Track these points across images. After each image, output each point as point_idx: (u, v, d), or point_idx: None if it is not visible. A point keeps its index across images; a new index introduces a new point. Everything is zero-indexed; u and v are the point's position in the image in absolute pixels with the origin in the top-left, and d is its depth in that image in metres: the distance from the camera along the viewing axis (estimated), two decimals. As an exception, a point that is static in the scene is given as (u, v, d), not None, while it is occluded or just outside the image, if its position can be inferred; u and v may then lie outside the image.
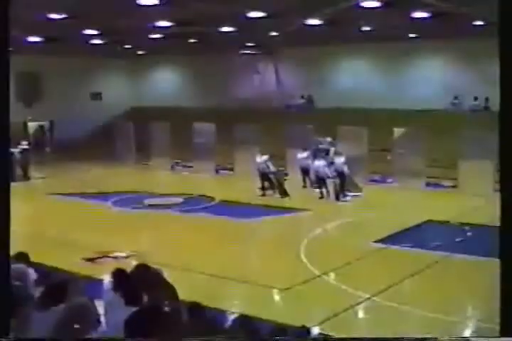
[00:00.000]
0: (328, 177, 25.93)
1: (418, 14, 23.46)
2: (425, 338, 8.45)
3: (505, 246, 4.47)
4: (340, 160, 26.49)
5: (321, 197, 26.07)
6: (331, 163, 26.44)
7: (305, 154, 28.96)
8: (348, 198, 26.04)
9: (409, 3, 21.15)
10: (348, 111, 36.09)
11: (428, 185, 28.80)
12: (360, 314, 13.76)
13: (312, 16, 23.89)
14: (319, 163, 26.29)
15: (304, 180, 28.86)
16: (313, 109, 40.02)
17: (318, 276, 15.93)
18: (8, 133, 4.13)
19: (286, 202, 25.82)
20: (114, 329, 6.96)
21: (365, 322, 13.63)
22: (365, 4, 20.90)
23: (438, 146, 29.13)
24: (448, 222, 21.19)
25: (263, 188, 27.36)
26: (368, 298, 14.09)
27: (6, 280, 4.25)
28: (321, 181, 26.25)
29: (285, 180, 28.29)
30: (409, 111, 33.74)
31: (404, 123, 31.56)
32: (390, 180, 30.32)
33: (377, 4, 20.94)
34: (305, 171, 28.82)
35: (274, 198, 26.57)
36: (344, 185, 26.21)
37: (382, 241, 19.29)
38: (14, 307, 6.99)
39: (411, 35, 32.33)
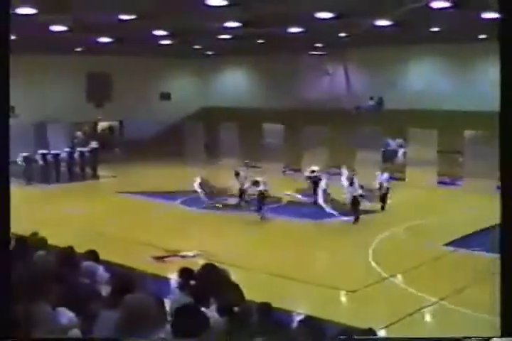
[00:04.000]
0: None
1: (488, 15, 23.09)
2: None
3: (505, 246, 4.39)
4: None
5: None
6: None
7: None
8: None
9: (478, 3, 20.85)
10: (418, 112, 35.72)
11: (499, 188, 28.30)
12: (427, 317, 13.63)
13: (381, 17, 23.72)
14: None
15: None
16: (382, 110, 39.74)
17: (386, 279, 15.84)
18: (8, 133, 4.18)
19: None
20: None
21: (432, 325, 13.49)
22: (434, 5, 20.67)
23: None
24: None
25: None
26: (436, 302, 13.95)
27: (6, 280, 4.29)
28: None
29: None
30: (481, 113, 33.28)
31: (476, 125, 31.10)
32: (459, 183, 29.99)
33: (446, 5, 20.69)
34: None
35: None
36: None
37: (451, 244, 19.09)
38: (82, 304, 7.09)
39: (481, 36, 31.85)
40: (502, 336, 4.48)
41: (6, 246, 4.43)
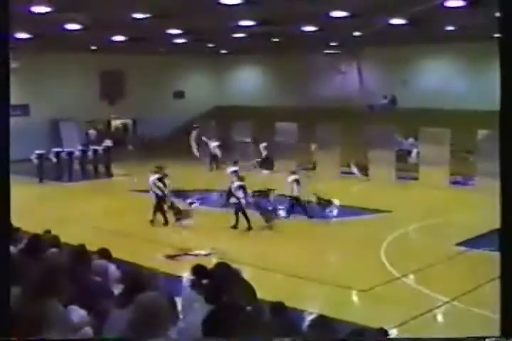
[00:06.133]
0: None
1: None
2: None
3: (505, 247, 4.36)
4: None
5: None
6: None
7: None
8: None
9: (494, 2, 20.77)
10: (431, 111, 35.64)
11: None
12: (439, 318, 13.60)
13: (396, 16, 23.66)
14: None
15: None
16: (395, 109, 39.67)
17: (398, 278, 15.81)
18: (8, 131, 4.20)
19: (369, 204, 25.44)
20: (193, 326, 7.01)
21: (444, 325, 13.46)
22: (449, 4, 20.61)
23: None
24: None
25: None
26: (447, 302, 13.91)
27: (6, 280, 4.31)
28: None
29: None
30: (494, 113, 33.13)
31: (488, 125, 30.93)
32: (472, 182, 29.86)
33: (461, 3, 20.62)
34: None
35: (358, 199, 26.33)
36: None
37: (463, 244, 19.03)
38: (94, 303, 7.11)
39: (496, 35, 31.71)
40: (501, 336, 4.46)
41: (6, 246, 4.44)
